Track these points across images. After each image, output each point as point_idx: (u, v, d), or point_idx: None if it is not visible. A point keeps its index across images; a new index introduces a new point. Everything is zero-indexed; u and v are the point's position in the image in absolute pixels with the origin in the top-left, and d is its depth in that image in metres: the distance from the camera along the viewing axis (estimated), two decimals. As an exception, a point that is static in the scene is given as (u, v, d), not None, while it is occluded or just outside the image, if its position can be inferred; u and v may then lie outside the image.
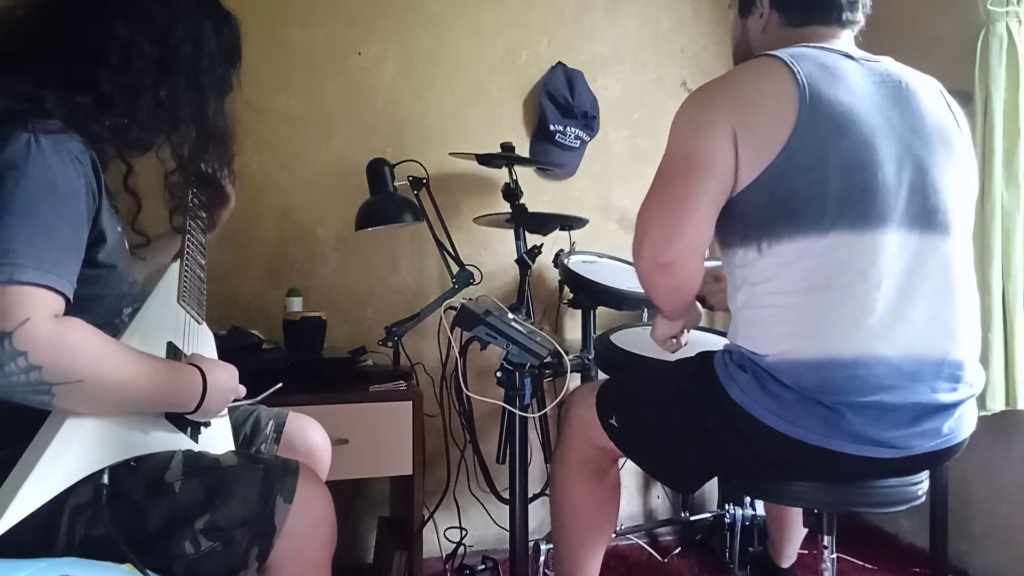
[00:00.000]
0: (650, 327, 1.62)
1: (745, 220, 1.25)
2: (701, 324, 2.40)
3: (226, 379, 1.15)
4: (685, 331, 1.52)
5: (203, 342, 1.29)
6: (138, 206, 1.24)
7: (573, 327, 2.49)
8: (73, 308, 0.96)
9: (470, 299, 1.69)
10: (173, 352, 1.18)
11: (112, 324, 1.11)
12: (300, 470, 1.10)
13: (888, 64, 1.32)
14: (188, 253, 1.31)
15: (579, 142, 2.44)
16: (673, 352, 1.51)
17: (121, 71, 1.07)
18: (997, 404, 1.94)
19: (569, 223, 2.16)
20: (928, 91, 1.31)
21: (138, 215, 1.26)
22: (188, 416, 1.11)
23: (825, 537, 1.38)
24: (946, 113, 1.31)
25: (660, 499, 2.62)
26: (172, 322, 1.22)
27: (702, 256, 1.28)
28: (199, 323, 1.30)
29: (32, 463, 0.90)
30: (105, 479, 0.98)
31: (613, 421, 1.42)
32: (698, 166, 1.24)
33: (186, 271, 1.29)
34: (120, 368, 0.98)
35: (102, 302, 1.10)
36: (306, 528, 1.07)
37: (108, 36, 1.07)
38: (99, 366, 0.95)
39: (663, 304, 1.43)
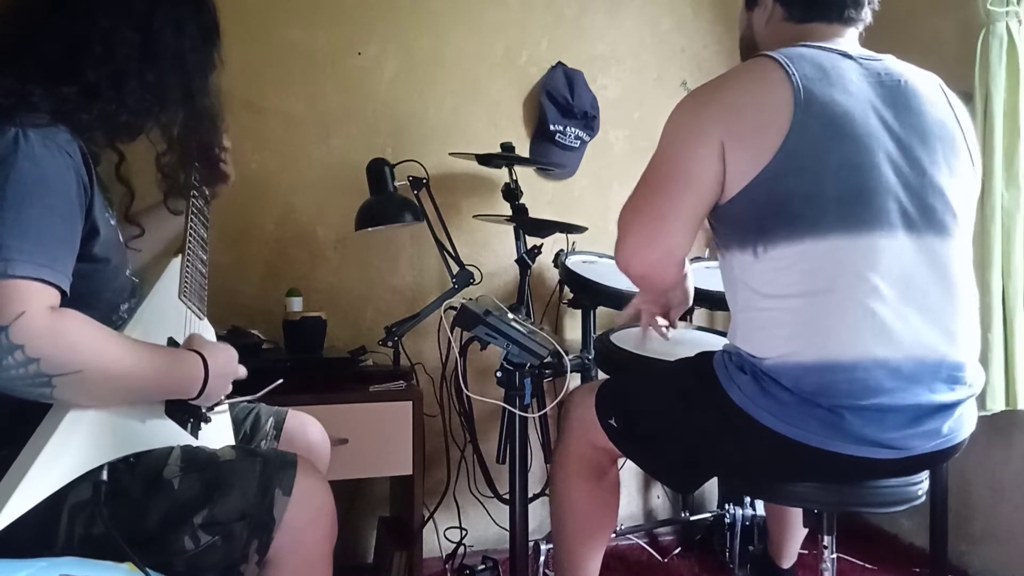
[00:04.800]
0: (650, 327, 1.62)
1: (741, 224, 1.25)
2: (701, 324, 2.42)
3: (226, 362, 1.15)
4: (671, 320, 1.59)
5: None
6: (131, 196, 1.24)
7: (573, 327, 2.49)
8: (70, 304, 0.96)
9: (470, 299, 1.69)
10: (174, 347, 1.18)
11: (110, 320, 1.11)
12: (298, 463, 1.10)
13: (889, 62, 1.31)
14: (189, 248, 1.31)
15: (579, 142, 2.44)
16: (656, 337, 1.59)
17: (106, 59, 1.07)
18: (997, 404, 1.94)
19: (568, 229, 2.16)
20: (929, 89, 1.30)
21: (131, 205, 1.26)
22: (191, 402, 1.11)
23: (825, 537, 1.38)
24: (947, 111, 1.30)
25: (660, 499, 2.62)
26: (173, 317, 1.22)
27: (680, 262, 1.32)
28: (200, 318, 1.30)
29: (32, 458, 0.90)
30: (104, 475, 0.98)
31: (612, 421, 1.42)
32: (679, 178, 1.26)
33: (187, 266, 1.29)
34: (120, 357, 0.98)
35: (99, 297, 1.10)
36: (306, 521, 1.07)
37: (90, 27, 1.07)
38: (98, 356, 0.95)
39: (640, 300, 1.55)
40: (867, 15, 1.36)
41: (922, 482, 1.33)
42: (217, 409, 1.20)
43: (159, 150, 1.23)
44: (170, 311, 1.23)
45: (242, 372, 1.20)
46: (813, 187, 1.19)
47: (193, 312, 1.27)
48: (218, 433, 1.22)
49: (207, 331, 1.32)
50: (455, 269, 1.97)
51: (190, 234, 1.33)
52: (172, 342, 1.18)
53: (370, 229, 2.04)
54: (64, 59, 1.06)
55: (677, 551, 2.40)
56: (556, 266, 2.18)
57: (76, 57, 1.06)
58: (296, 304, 2.05)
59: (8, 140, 0.96)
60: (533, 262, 2.16)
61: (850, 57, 1.28)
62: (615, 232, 1.34)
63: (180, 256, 1.30)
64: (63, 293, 0.95)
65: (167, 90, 1.15)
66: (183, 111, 1.19)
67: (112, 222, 1.15)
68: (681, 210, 1.25)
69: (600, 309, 2.23)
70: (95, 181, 1.07)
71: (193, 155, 1.26)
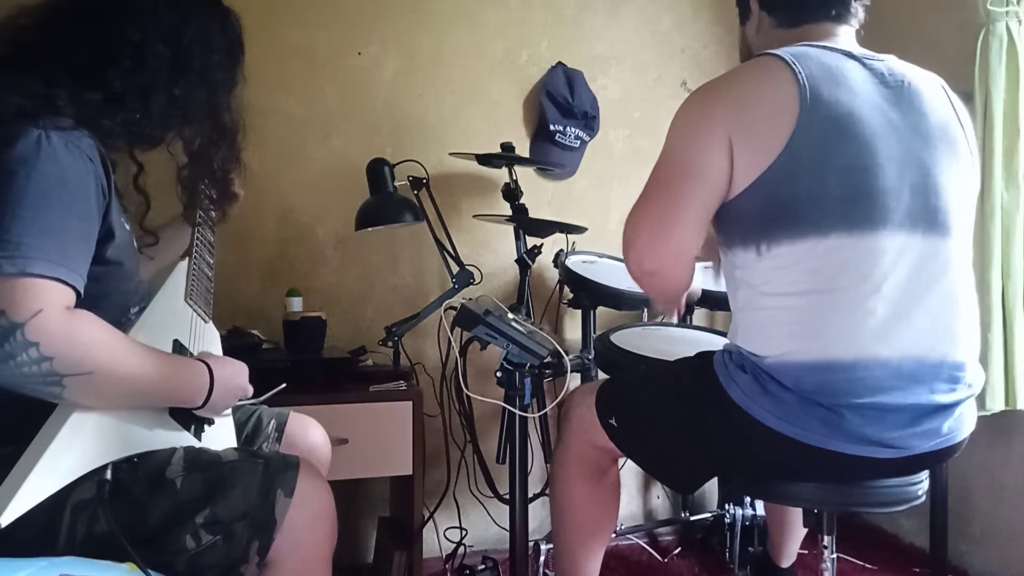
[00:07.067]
0: (650, 327, 1.63)
1: (745, 222, 1.25)
2: (701, 324, 2.42)
3: (234, 376, 1.16)
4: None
5: (209, 340, 1.30)
6: (147, 205, 1.25)
7: (573, 327, 2.49)
8: (82, 305, 0.96)
9: (470, 299, 1.69)
10: (179, 350, 1.18)
11: (119, 323, 1.11)
12: (300, 465, 1.10)
13: (891, 63, 1.30)
14: (196, 251, 1.32)
15: (579, 142, 2.44)
16: (676, 316, 1.56)
17: (135, 71, 1.09)
18: (997, 404, 1.94)
19: (568, 229, 2.16)
20: (931, 90, 1.30)
21: (147, 214, 1.27)
22: (195, 412, 1.12)
23: (825, 537, 1.38)
24: (949, 112, 1.30)
25: (660, 499, 2.62)
26: (179, 320, 1.23)
27: (691, 260, 1.28)
28: (206, 321, 1.30)
29: (36, 456, 0.91)
30: (108, 474, 0.98)
31: (613, 421, 1.42)
32: (689, 172, 1.24)
33: (194, 269, 1.30)
34: (130, 361, 0.99)
35: (109, 300, 1.10)
36: (307, 522, 1.07)
37: (120, 39, 1.08)
38: (110, 358, 0.96)
39: (654, 298, 1.47)
40: (858, 11, 1.35)
41: (922, 482, 1.33)
42: (220, 411, 1.20)
43: (180, 164, 1.24)
44: (176, 313, 1.23)
45: (249, 390, 1.20)
46: (817, 186, 1.19)
47: (199, 315, 1.28)
48: (221, 435, 1.22)
49: (212, 334, 1.33)
50: (455, 269, 1.97)
51: (197, 238, 1.34)
52: (178, 344, 1.19)
53: (370, 229, 2.04)
54: (91, 66, 1.07)
55: (677, 551, 2.41)
56: (556, 266, 2.19)
57: (103, 65, 1.07)
58: (296, 304, 2.05)
59: (31, 141, 0.97)
60: (533, 262, 2.16)
61: (853, 57, 1.28)
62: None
63: (187, 259, 1.31)
64: (78, 294, 0.96)
65: (192, 105, 1.16)
66: (206, 126, 1.20)
67: (127, 227, 1.16)
68: (692, 204, 1.23)
69: (600, 309, 2.23)
70: (113, 187, 1.08)
71: (211, 168, 1.27)
